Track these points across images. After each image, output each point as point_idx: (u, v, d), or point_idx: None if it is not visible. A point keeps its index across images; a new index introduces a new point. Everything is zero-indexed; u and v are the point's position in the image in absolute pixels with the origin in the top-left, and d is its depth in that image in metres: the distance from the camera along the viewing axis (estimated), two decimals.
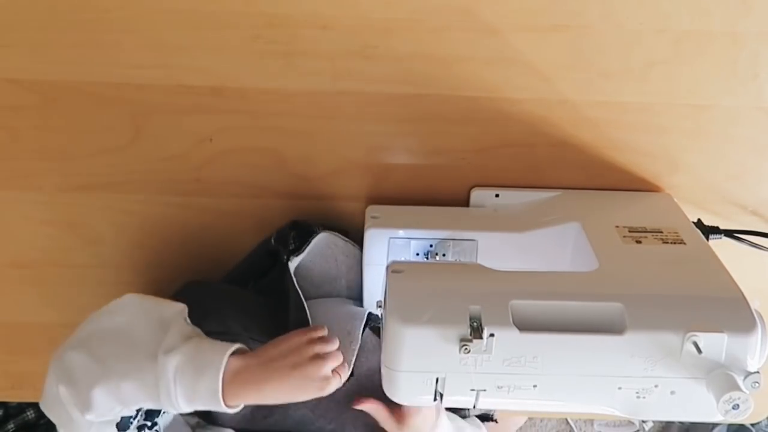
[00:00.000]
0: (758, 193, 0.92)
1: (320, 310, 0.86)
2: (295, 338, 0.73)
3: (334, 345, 0.75)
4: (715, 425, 1.73)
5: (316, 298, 0.92)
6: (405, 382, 0.67)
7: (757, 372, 0.63)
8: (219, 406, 0.70)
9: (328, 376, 0.72)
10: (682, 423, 1.82)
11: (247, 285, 0.92)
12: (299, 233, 0.90)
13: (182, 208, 0.93)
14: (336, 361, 0.74)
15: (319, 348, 0.74)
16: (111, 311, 0.76)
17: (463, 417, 0.96)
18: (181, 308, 0.76)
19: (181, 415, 0.79)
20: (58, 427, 0.74)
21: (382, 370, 0.68)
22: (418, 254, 0.87)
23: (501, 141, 0.89)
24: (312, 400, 0.74)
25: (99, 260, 0.96)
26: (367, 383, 0.84)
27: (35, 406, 1.42)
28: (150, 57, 0.84)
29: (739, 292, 0.69)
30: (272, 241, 0.90)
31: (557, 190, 0.91)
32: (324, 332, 0.76)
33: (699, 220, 0.89)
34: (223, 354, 0.70)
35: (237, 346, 0.72)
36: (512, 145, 0.89)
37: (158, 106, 0.87)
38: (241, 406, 0.72)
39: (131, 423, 0.74)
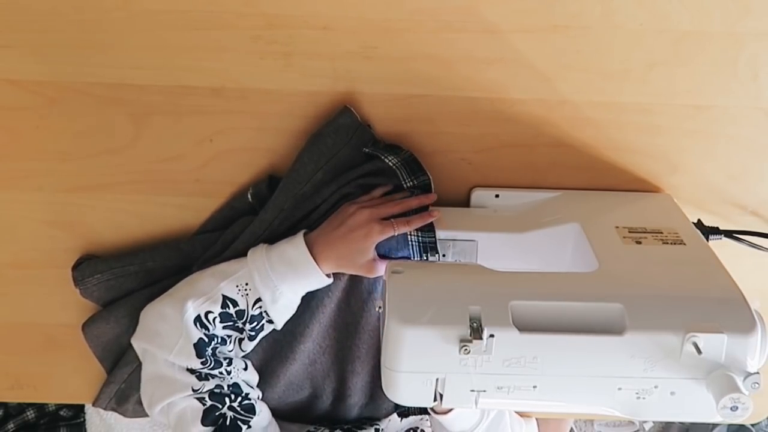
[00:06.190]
0: (758, 193, 0.91)
1: None
2: (344, 206, 0.83)
3: (385, 204, 0.82)
4: (715, 425, 1.74)
5: None
6: (405, 383, 0.67)
7: (757, 373, 0.63)
8: (308, 261, 0.80)
9: (372, 223, 0.79)
10: (682, 423, 1.82)
11: (218, 238, 0.90)
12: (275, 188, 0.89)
13: (182, 208, 0.93)
14: (382, 210, 0.81)
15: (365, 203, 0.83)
16: None
17: None
18: None
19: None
20: (151, 347, 0.82)
21: (382, 371, 0.68)
22: None
23: (501, 141, 0.89)
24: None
25: None
26: None
27: (35, 406, 1.42)
28: (150, 57, 0.84)
29: (739, 293, 0.69)
30: (249, 197, 0.90)
31: (557, 190, 0.91)
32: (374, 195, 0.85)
33: (699, 220, 0.89)
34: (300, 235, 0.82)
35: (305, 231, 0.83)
36: (512, 145, 0.89)
37: (158, 106, 0.87)
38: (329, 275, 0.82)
39: (207, 350, 0.81)
